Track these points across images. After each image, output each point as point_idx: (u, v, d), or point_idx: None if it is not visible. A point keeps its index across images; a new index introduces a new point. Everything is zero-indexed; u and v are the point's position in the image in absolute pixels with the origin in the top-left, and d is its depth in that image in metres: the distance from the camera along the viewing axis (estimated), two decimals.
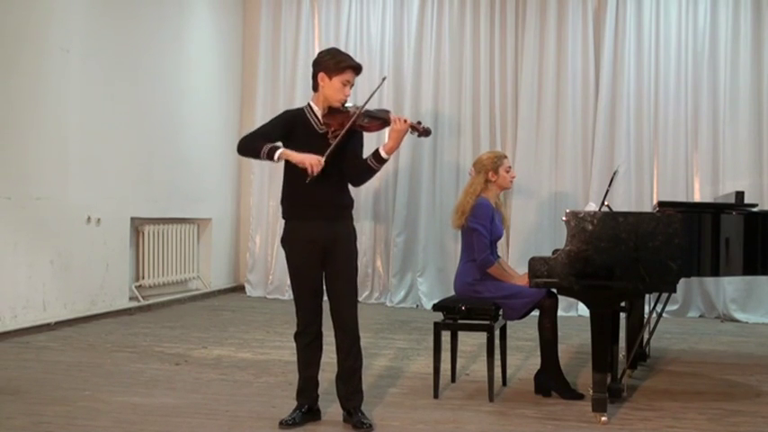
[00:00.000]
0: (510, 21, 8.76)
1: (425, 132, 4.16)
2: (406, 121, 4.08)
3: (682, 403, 4.70)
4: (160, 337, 6.55)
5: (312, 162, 3.95)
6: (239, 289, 9.53)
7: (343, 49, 8.98)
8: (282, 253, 4.31)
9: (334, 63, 4.09)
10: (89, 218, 7.21)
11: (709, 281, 8.10)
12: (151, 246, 8.22)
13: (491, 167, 5.01)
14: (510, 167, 5.11)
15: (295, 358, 4.23)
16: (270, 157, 4.00)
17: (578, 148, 8.55)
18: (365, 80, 8.80)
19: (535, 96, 8.63)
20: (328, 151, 4.00)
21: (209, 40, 9.13)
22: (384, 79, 4.63)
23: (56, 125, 6.85)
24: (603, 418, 4.27)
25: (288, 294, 9.05)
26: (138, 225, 8.09)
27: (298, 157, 3.99)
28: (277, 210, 9.25)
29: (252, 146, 4.09)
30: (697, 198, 8.29)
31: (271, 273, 9.23)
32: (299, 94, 9.08)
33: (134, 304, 7.81)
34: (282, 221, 4.28)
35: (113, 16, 7.51)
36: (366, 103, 4.15)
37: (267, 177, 9.29)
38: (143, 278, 8.14)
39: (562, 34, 8.59)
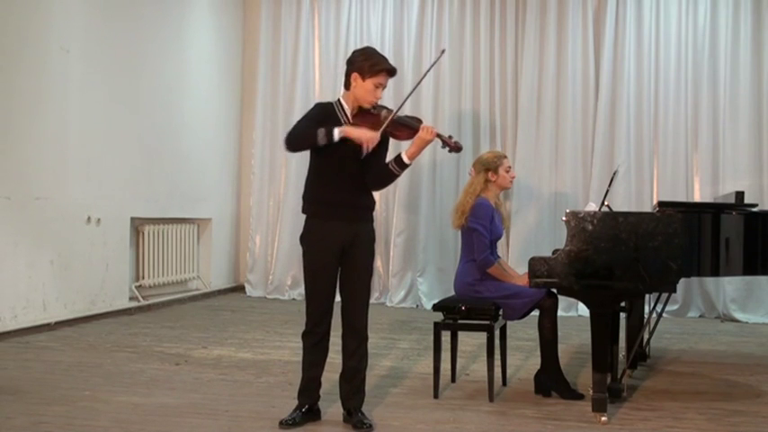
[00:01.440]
0: (510, 21, 8.76)
1: (456, 148, 4.10)
2: (433, 131, 4.04)
3: (682, 403, 4.70)
4: (160, 337, 6.55)
5: (368, 138, 3.95)
6: (239, 289, 9.53)
7: (342, 49, 9.14)
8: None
9: (368, 65, 4.05)
10: (89, 218, 7.21)
11: (709, 281, 8.09)
12: (151, 246, 8.22)
13: (491, 167, 5.01)
14: (510, 167, 5.11)
15: (296, 358, 4.23)
16: (329, 137, 3.95)
17: (578, 148, 8.55)
18: None
19: (535, 96, 8.63)
20: (382, 128, 3.99)
21: (209, 40, 9.13)
22: (443, 51, 4.66)
23: (56, 125, 6.85)
24: (603, 418, 4.27)
25: (288, 294, 9.06)
26: (138, 225, 8.09)
27: (356, 132, 3.98)
28: (277, 210, 9.27)
29: (304, 134, 4.02)
30: (697, 198, 8.28)
31: (271, 273, 9.22)
32: (298, 94, 9.09)
33: (134, 304, 7.80)
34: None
35: (113, 16, 7.51)
36: (420, 82, 4.23)
37: (267, 177, 9.29)
38: (143, 278, 8.14)
39: (562, 34, 8.59)
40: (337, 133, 3.96)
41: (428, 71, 4.52)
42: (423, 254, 8.77)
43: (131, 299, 7.88)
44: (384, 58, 4.11)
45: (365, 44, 8.99)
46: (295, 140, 4.05)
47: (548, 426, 4.24)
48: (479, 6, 8.79)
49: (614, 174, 5.86)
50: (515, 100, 8.74)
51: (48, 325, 6.64)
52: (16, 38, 6.44)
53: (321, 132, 3.96)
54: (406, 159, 4.05)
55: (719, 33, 8.32)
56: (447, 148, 4.11)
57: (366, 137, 3.96)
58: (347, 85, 4.13)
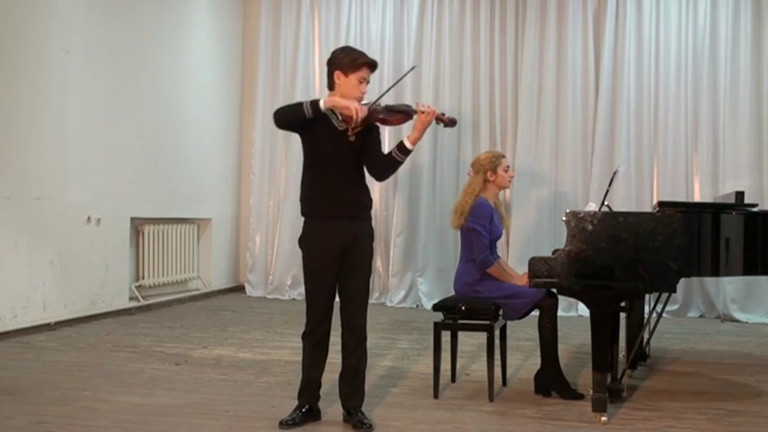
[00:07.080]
0: (510, 21, 8.76)
1: (451, 123, 4.17)
2: (433, 110, 4.06)
3: (682, 403, 4.70)
4: (160, 337, 6.55)
5: (358, 108, 3.95)
6: (239, 289, 9.53)
7: None
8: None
9: (349, 60, 4.08)
10: (89, 218, 7.21)
11: (709, 281, 8.10)
12: (151, 246, 8.22)
13: (489, 167, 5.01)
14: (508, 167, 5.10)
15: (296, 358, 4.23)
16: (315, 108, 3.96)
17: (578, 148, 8.55)
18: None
19: (535, 96, 8.64)
20: (371, 109, 4.00)
21: (209, 41, 9.13)
22: (413, 68, 4.66)
23: (56, 125, 6.85)
24: (603, 418, 4.27)
25: (288, 294, 9.06)
26: (138, 225, 8.09)
27: (343, 102, 3.99)
28: (277, 210, 9.27)
29: (291, 109, 4.06)
30: (697, 198, 8.29)
31: (271, 273, 9.23)
32: (298, 94, 9.08)
33: (134, 304, 7.81)
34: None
35: (114, 16, 7.51)
36: (385, 93, 4.14)
37: (267, 178, 9.30)
38: (143, 278, 8.14)
39: (562, 34, 8.60)
40: (323, 103, 3.97)
41: (396, 83, 4.56)
42: (423, 254, 8.77)
43: (131, 299, 7.88)
44: (363, 53, 4.15)
45: (365, 44, 9.05)
46: (284, 113, 4.06)
47: (548, 426, 4.24)
48: (479, 6, 8.79)
49: (614, 174, 5.85)
50: (515, 100, 8.75)
51: (48, 325, 6.64)
52: (16, 38, 6.44)
53: (306, 103, 3.98)
54: (408, 145, 4.06)
55: (719, 33, 8.32)
56: (441, 124, 4.16)
57: (354, 105, 3.96)
58: (331, 86, 4.16)
